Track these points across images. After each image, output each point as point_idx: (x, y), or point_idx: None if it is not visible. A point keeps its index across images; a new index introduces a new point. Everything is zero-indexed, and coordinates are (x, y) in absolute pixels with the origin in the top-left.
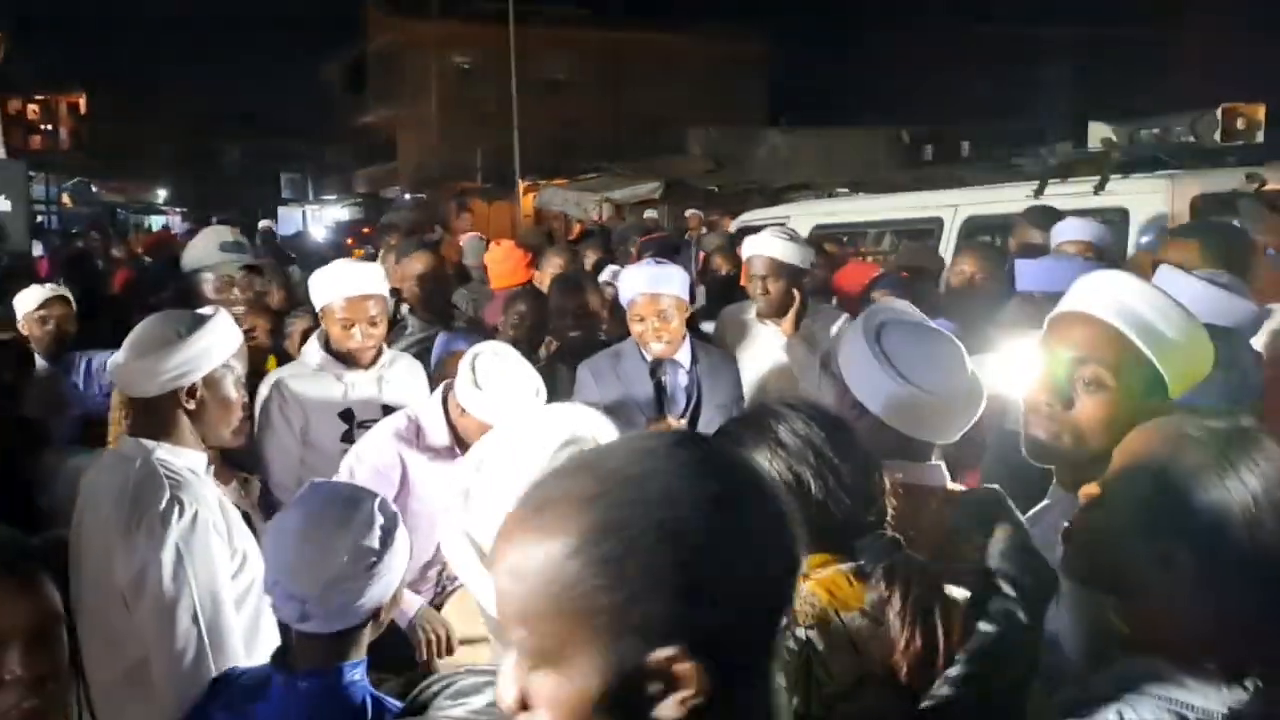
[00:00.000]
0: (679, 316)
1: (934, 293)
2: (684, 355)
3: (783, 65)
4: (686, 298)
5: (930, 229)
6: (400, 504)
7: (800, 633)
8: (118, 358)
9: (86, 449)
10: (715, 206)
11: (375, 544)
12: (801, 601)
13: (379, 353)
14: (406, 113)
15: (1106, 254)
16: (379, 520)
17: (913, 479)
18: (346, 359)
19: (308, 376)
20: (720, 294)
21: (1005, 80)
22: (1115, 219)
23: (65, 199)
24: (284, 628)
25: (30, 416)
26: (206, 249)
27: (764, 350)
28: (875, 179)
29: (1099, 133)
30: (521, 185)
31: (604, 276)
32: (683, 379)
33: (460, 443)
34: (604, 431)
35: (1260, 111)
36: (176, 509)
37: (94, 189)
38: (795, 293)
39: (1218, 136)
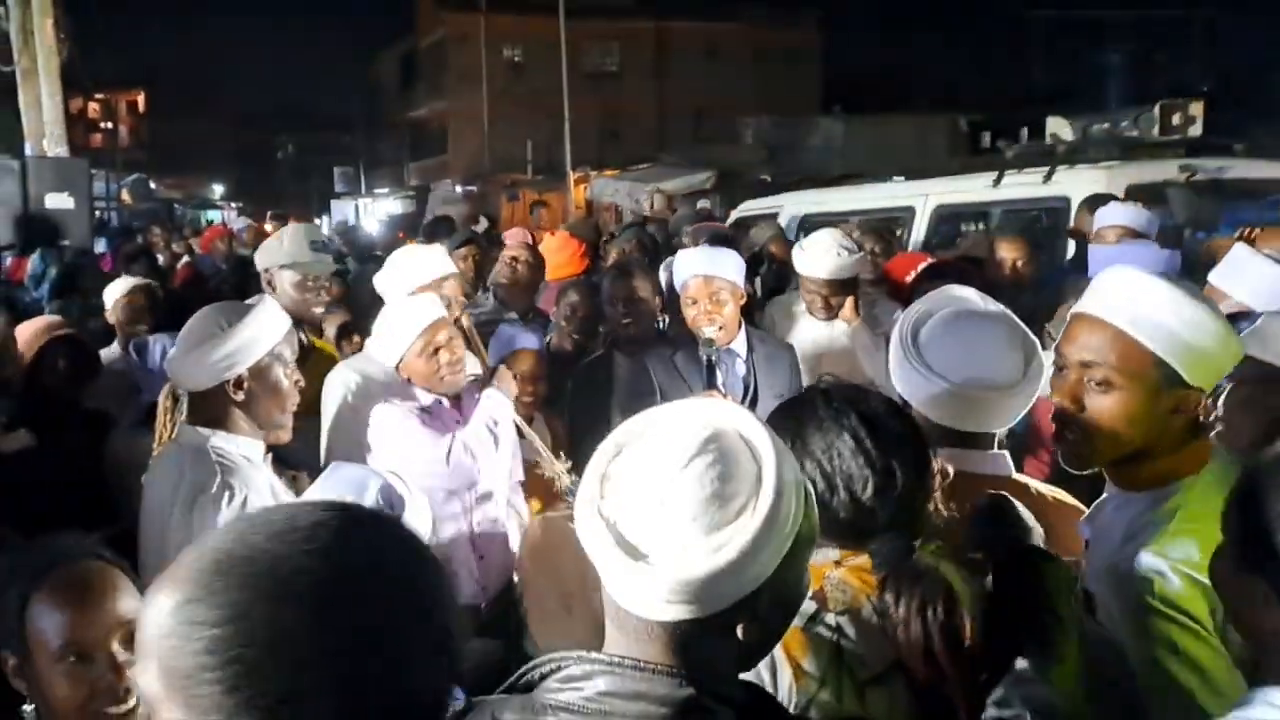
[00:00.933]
0: (733, 302)
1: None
2: (740, 344)
3: (835, 52)
4: (742, 284)
5: (905, 216)
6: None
7: (831, 619)
8: (172, 352)
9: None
10: (769, 196)
11: None
12: (834, 588)
13: None
14: (457, 106)
15: (1149, 238)
16: (380, 503)
17: (967, 467)
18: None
19: (375, 366)
20: (773, 285)
21: (1066, 65)
22: (1061, 205)
23: (124, 195)
24: None
25: (93, 407)
26: (297, 247)
27: (816, 340)
28: (932, 166)
29: (1054, 127)
30: (572, 176)
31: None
32: (740, 368)
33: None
34: (746, 424)
35: (1197, 106)
36: (227, 494)
37: (152, 185)
38: (850, 293)
39: (1156, 131)
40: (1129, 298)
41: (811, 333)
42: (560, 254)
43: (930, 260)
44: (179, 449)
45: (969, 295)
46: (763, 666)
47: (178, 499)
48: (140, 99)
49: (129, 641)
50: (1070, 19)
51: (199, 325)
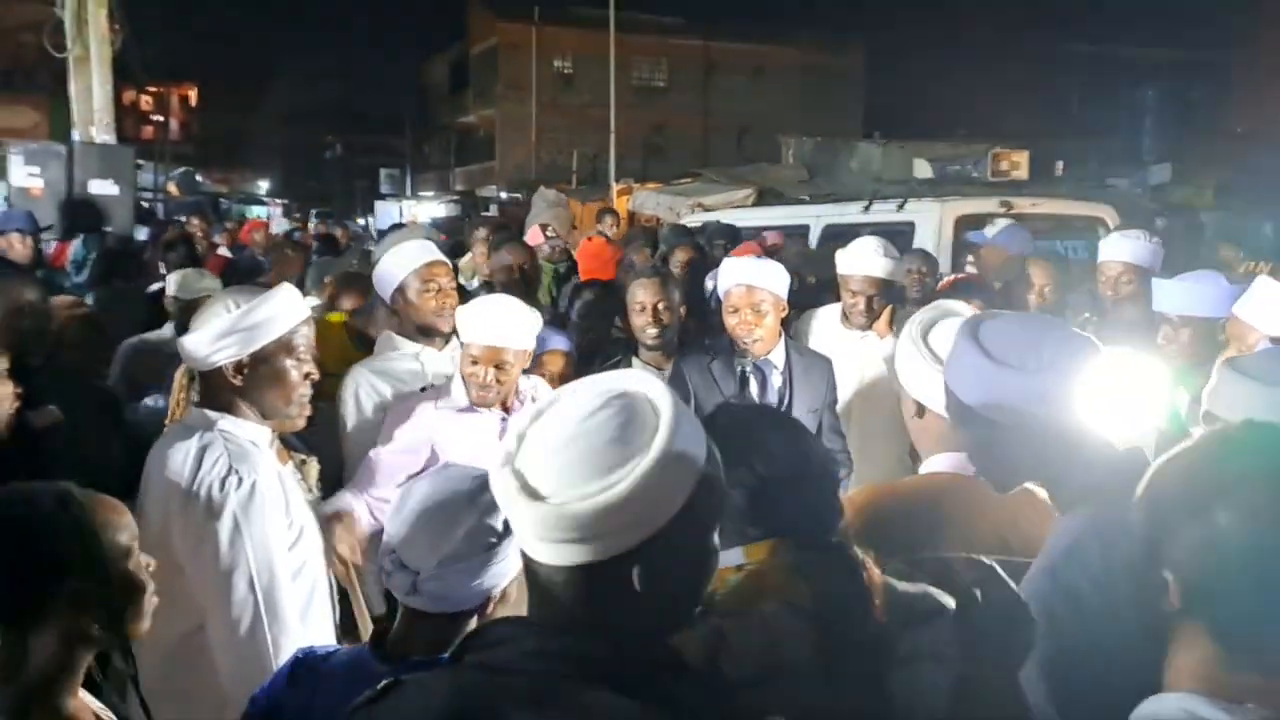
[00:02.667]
0: (775, 314)
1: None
2: (778, 356)
3: (879, 79)
4: (785, 297)
5: (803, 231)
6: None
7: (714, 621)
8: (190, 330)
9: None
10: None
11: (498, 525)
12: (727, 591)
13: (452, 332)
14: (505, 113)
15: (1149, 270)
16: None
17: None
18: (426, 331)
19: (388, 359)
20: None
21: (1101, 99)
22: (907, 230)
23: (171, 187)
24: (387, 607)
25: (107, 385)
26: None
27: (848, 354)
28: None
29: (919, 169)
30: (615, 188)
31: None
32: (776, 380)
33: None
34: (655, 391)
35: (1022, 155)
36: (235, 479)
37: (199, 179)
38: (886, 304)
39: (989, 173)
40: None
41: (844, 346)
42: (595, 259)
43: (957, 276)
44: (186, 430)
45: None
46: None
47: (182, 483)
48: (192, 93)
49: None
50: (1106, 54)
51: (211, 305)
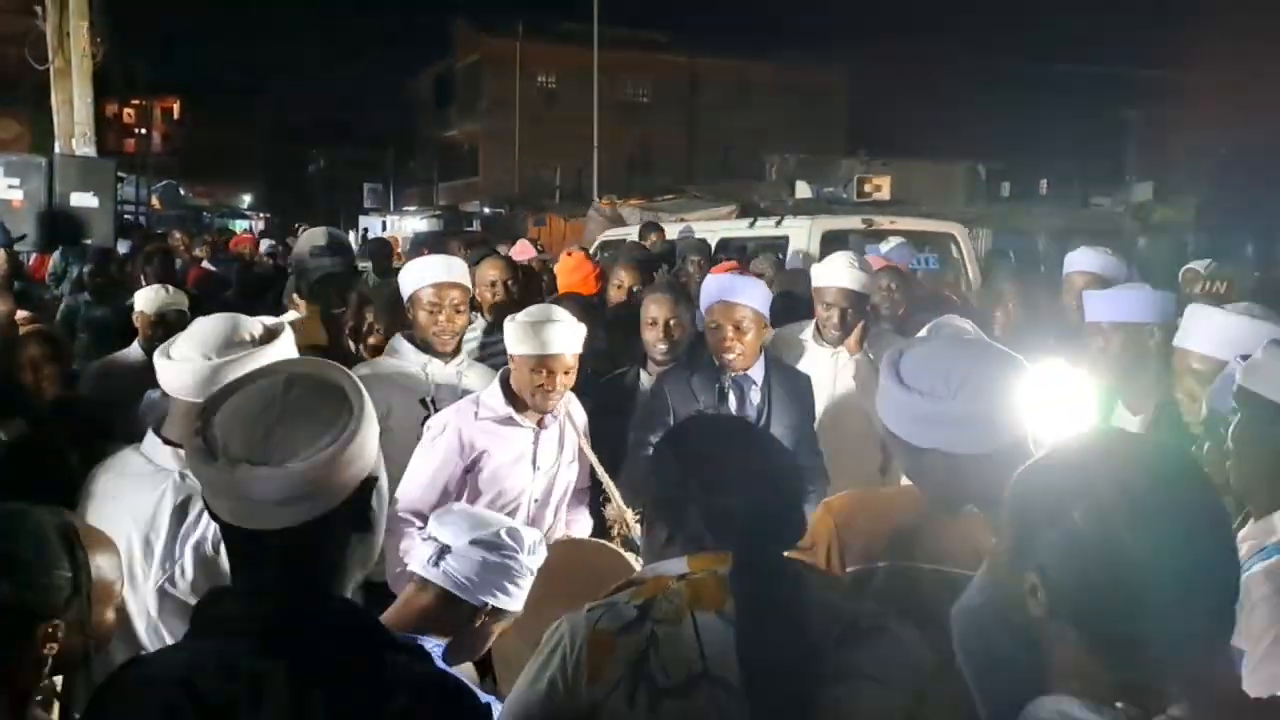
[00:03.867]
0: (755, 330)
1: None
2: (757, 372)
3: (863, 96)
4: (765, 313)
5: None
6: (473, 474)
7: (648, 628)
8: (182, 353)
9: None
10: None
11: (523, 555)
12: (663, 597)
13: (458, 348)
14: (489, 128)
15: (1113, 283)
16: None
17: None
18: (428, 348)
19: (392, 365)
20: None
21: (1085, 119)
22: (782, 243)
23: (154, 201)
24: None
25: (63, 396)
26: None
27: (820, 370)
28: (949, 213)
29: (800, 189)
30: (599, 204)
31: None
32: (755, 396)
33: (519, 409)
34: (334, 370)
35: (884, 179)
36: (214, 529)
37: (182, 192)
38: (860, 318)
39: (855, 195)
40: None
41: (815, 363)
42: (574, 274)
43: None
44: (156, 473)
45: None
46: (557, 668)
47: (158, 533)
48: (175, 106)
49: None
50: (1090, 74)
51: (221, 333)
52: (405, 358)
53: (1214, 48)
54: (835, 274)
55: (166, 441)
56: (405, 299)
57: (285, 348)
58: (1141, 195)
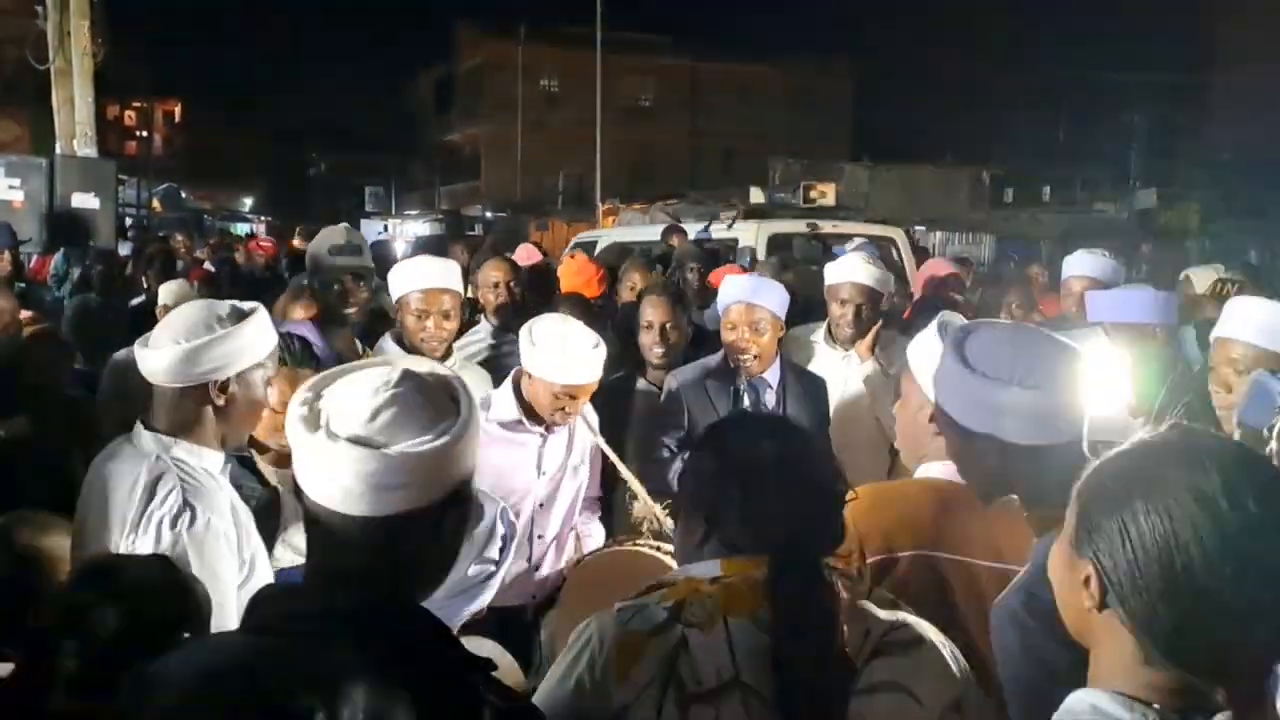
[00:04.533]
0: (772, 332)
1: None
2: (773, 374)
3: (866, 101)
4: (782, 316)
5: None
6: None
7: (679, 631)
8: (158, 341)
9: None
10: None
11: (495, 555)
12: (695, 601)
13: (448, 352)
14: (491, 132)
15: (1110, 287)
16: (500, 530)
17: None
18: (416, 353)
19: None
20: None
21: (1088, 125)
22: (733, 244)
23: (155, 203)
24: None
25: (72, 397)
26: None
27: (829, 373)
28: (952, 219)
29: (754, 195)
30: (601, 208)
31: None
32: (770, 398)
33: (529, 414)
34: (440, 369)
35: (829, 186)
36: (188, 515)
37: (183, 195)
38: (875, 318)
39: (802, 201)
40: None
41: (826, 365)
42: (577, 277)
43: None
44: (137, 455)
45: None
46: (585, 667)
47: (131, 514)
48: (177, 109)
49: None
50: (1093, 80)
51: (193, 317)
52: (393, 359)
53: (1219, 53)
54: (851, 270)
55: (148, 428)
56: (394, 301)
57: (259, 326)
58: (1145, 201)
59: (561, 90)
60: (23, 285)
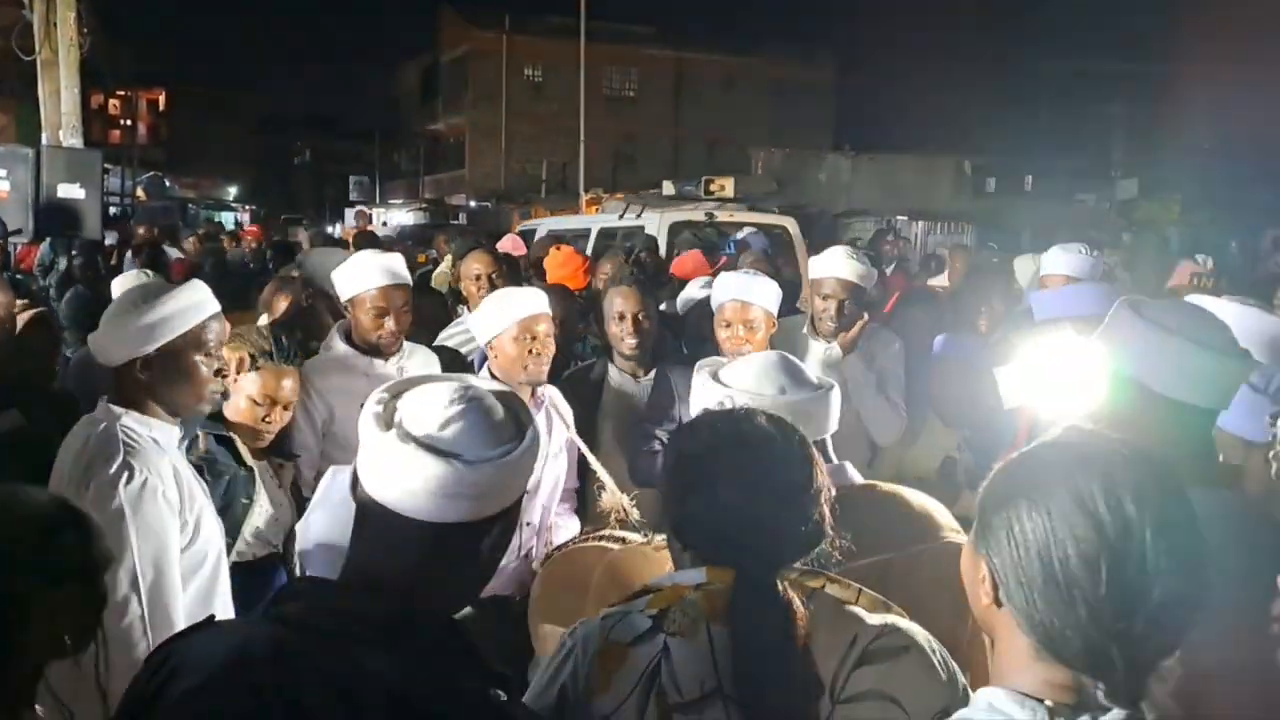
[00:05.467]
0: (765, 329)
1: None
2: None
3: (849, 91)
4: (775, 313)
5: (586, 236)
6: None
7: (660, 640)
8: (106, 320)
9: None
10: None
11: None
12: (678, 609)
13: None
14: (476, 121)
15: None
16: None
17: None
18: (371, 349)
19: (331, 368)
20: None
21: (1070, 115)
22: (640, 232)
23: (139, 192)
24: None
25: (61, 389)
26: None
27: (815, 364)
28: (934, 209)
29: (666, 188)
30: (585, 198)
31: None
32: None
33: None
34: (498, 388)
35: (728, 180)
36: (126, 474)
37: (168, 183)
38: (859, 312)
39: (703, 192)
40: None
41: (811, 357)
42: (563, 268)
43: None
44: (90, 422)
45: None
46: (569, 675)
47: (76, 474)
48: (161, 98)
49: None
50: (1076, 70)
51: (120, 299)
52: (345, 359)
53: (1199, 44)
54: (833, 265)
55: (110, 401)
56: (344, 299)
57: (181, 302)
58: (1126, 192)
59: (546, 80)
60: (9, 275)
